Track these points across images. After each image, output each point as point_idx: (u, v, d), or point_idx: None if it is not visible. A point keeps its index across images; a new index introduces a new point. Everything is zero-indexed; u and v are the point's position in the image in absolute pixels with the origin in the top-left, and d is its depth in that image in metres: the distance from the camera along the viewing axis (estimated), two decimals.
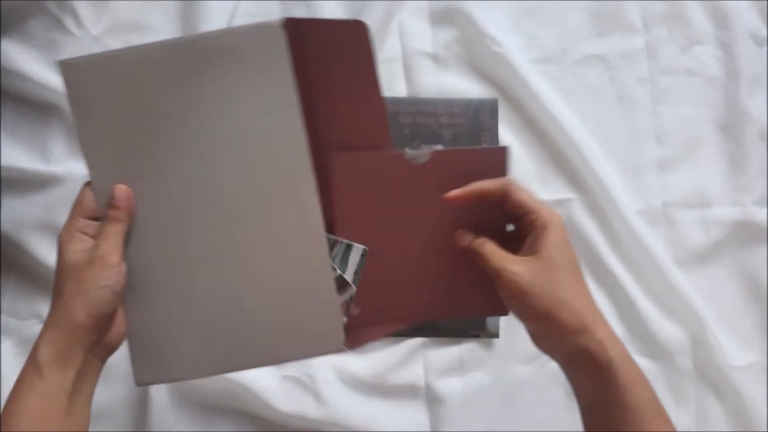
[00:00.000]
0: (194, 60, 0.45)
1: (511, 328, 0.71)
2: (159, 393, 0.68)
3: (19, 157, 0.70)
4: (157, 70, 0.45)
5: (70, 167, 0.71)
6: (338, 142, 0.50)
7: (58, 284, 0.45)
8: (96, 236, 0.45)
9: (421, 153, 0.50)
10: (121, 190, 0.46)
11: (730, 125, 0.75)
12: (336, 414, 0.67)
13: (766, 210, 0.73)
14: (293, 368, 0.69)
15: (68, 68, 0.45)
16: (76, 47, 0.72)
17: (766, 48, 0.76)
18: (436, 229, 0.50)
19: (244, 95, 0.46)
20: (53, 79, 0.70)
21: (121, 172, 0.46)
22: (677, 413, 0.70)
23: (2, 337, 0.70)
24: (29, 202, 0.70)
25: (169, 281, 0.48)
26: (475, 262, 0.47)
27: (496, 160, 0.49)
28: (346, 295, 0.51)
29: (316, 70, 0.49)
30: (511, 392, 0.70)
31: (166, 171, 0.47)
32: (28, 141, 0.71)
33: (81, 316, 0.43)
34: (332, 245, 0.51)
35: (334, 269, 0.50)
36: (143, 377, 0.48)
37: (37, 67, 0.71)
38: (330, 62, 0.50)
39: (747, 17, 0.76)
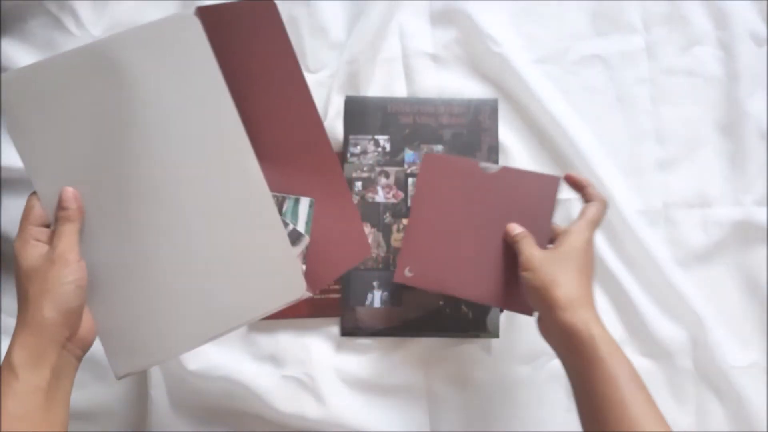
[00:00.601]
0: (117, 58, 0.48)
1: (511, 328, 0.71)
2: (159, 393, 0.68)
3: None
4: (83, 73, 0.48)
5: None
6: (266, 118, 0.53)
7: (21, 290, 0.46)
8: (51, 239, 0.47)
9: (493, 166, 0.64)
10: (68, 191, 0.48)
11: (730, 125, 0.75)
12: (336, 414, 0.67)
13: (766, 210, 0.73)
14: (293, 368, 0.69)
15: (6, 80, 0.48)
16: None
17: (766, 48, 0.76)
18: (491, 227, 0.62)
19: (171, 83, 0.48)
20: None
21: (63, 176, 0.48)
22: (677, 413, 0.70)
23: (2, 337, 0.70)
24: None
25: (126, 271, 0.50)
26: (516, 262, 0.57)
27: (550, 187, 0.62)
28: (302, 245, 0.56)
29: (234, 53, 0.51)
30: (511, 392, 0.70)
31: (107, 167, 0.49)
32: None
33: (50, 313, 0.44)
34: (281, 202, 0.55)
35: (286, 224, 0.55)
36: (120, 369, 0.50)
37: None
38: (245, 43, 0.52)
39: (747, 17, 0.76)
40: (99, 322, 0.49)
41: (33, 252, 0.46)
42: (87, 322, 0.48)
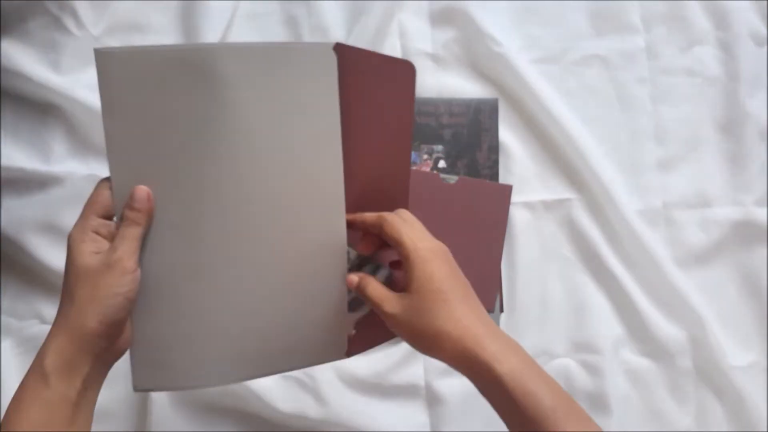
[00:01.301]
0: (238, 67, 0.43)
1: (511, 328, 0.71)
2: (159, 393, 0.68)
3: (19, 157, 0.70)
4: (196, 71, 0.42)
5: (70, 167, 0.71)
6: (360, 174, 0.49)
7: (69, 288, 0.42)
8: (113, 238, 0.43)
9: (452, 177, 0.67)
10: (142, 191, 0.43)
11: (730, 125, 0.75)
12: (336, 414, 0.67)
13: (766, 210, 0.73)
14: None
15: (103, 58, 0.42)
16: (76, 47, 0.72)
17: (766, 48, 0.76)
18: (453, 236, 0.52)
19: (286, 107, 0.44)
20: (53, 79, 0.70)
21: (143, 171, 0.44)
22: (677, 413, 0.70)
23: (2, 337, 0.70)
24: (29, 202, 0.70)
25: (182, 289, 0.46)
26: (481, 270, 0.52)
27: (504, 195, 0.64)
28: (360, 313, 0.52)
29: (355, 98, 0.47)
30: None
31: (190, 175, 0.44)
32: (28, 141, 0.71)
33: (93, 323, 0.41)
34: (361, 263, 0.51)
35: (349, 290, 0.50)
36: (142, 383, 0.47)
37: (37, 67, 0.71)
38: (371, 93, 0.48)
39: (747, 17, 0.76)
40: (137, 331, 0.45)
41: (90, 247, 0.42)
42: (126, 331, 0.45)
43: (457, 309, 0.44)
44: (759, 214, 0.73)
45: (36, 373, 0.41)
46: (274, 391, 0.67)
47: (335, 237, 0.47)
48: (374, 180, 0.50)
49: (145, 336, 0.46)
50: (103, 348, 0.43)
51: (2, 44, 0.71)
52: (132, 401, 0.70)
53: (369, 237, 0.50)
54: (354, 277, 0.48)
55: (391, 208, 0.49)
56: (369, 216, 0.48)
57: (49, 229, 0.69)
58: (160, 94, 0.43)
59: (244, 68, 0.43)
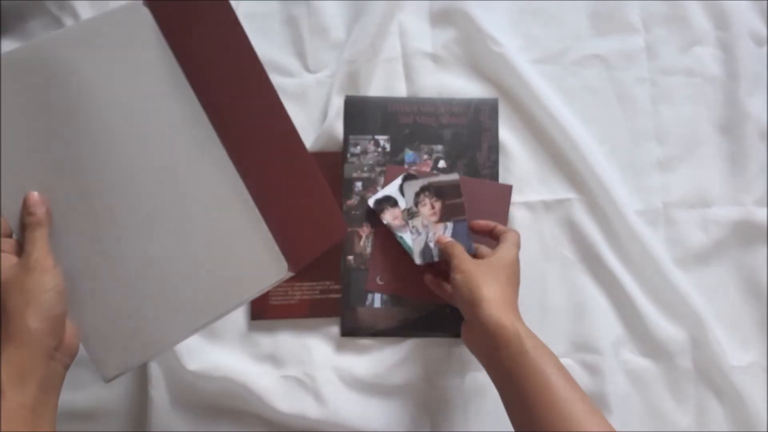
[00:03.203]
0: (65, 55, 0.46)
1: None
2: (159, 393, 0.68)
3: None
4: (27, 73, 0.46)
5: None
6: (228, 109, 0.52)
7: (2, 302, 0.44)
8: (19, 248, 0.45)
9: (453, 174, 0.69)
10: (34, 196, 0.46)
11: (730, 125, 0.75)
12: (336, 414, 0.67)
13: (766, 210, 0.73)
14: (293, 368, 0.69)
15: None
16: None
17: (766, 48, 0.76)
18: None
19: (124, 75, 0.47)
20: None
21: (24, 180, 0.46)
22: (677, 413, 0.70)
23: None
24: None
25: (99, 271, 0.48)
26: None
27: (504, 194, 0.68)
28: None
29: (188, 45, 0.50)
30: None
31: (66, 168, 0.47)
32: None
33: (34, 323, 0.43)
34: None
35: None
36: (109, 371, 0.48)
37: None
38: (199, 37, 0.51)
39: (747, 17, 0.76)
40: (82, 323, 0.47)
41: (3, 264, 0.44)
42: (70, 328, 0.46)
43: (507, 286, 0.57)
44: (759, 214, 0.73)
45: None
46: (274, 391, 0.67)
47: (221, 166, 0.50)
48: (246, 110, 0.53)
49: (89, 326, 0.48)
50: (53, 347, 0.44)
51: (2, 44, 0.71)
52: (132, 401, 0.70)
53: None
54: (443, 237, 0.65)
55: (275, 129, 0.53)
56: (481, 221, 0.67)
57: None
58: (13, 104, 0.46)
59: (74, 51, 0.46)
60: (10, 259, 0.45)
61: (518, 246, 0.61)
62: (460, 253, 0.60)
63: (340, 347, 0.70)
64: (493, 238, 0.65)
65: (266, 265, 0.52)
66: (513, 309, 0.55)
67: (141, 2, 0.47)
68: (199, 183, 0.50)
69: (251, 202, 0.51)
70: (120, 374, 0.49)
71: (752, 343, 0.72)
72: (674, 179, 0.74)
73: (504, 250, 0.60)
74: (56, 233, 0.47)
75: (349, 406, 0.68)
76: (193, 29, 0.50)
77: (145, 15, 0.47)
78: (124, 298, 0.49)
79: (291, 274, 0.53)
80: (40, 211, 0.46)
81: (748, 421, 0.69)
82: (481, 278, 0.56)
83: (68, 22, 0.72)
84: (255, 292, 0.52)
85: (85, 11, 0.73)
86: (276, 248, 0.52)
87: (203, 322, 0.50)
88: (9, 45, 0.71)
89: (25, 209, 0.46)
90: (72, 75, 0.46)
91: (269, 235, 0.52)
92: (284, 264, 0.52)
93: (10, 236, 0.46)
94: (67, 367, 0.46)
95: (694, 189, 0.74)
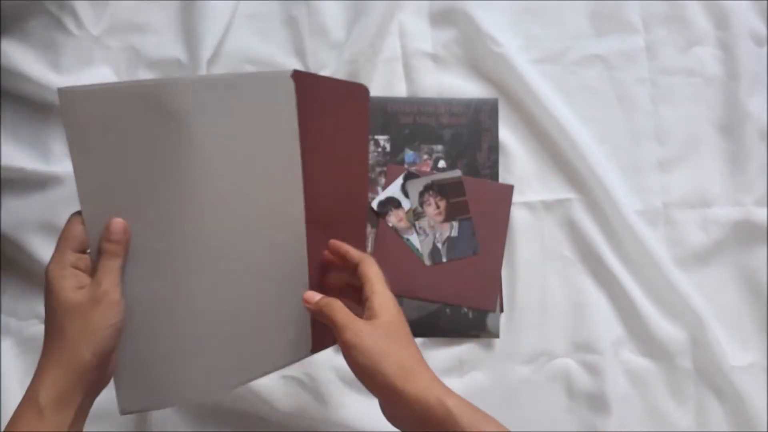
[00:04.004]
0: (197, 100, 0.44)
1: (511, 328, 0.71)
2: None
3: (19, 157, 0.70)
4: (157, 106, 0.44)
5: (70, 167, 0.70)
6: (319, 194, 0.52)
7: (57, 323, 0.43)
8: (91, 271, 0.44)
9: (455, 171, 0.65)
10: (119, 223, 0.44)
11: (730, 125, 0.75)
12: (336, 414, 0.67)
13: (766, 210, 0.73)
14: (293, 368, 0.69)
15: (66, 96, 0.44)
16: (76, 47, 0.72)
17: (766, 48, 0.76)
18: None
19: (246, 136, 0.45)
20: (53, 79, 0.70)
21: (113, 205, 0.45)
22: (677, 413, 0.70)
23: (2, 337, 0.70)
24: (29, 202, 0.70)
25: (158, 312, 0.47)
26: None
27: (506, 194, 0.65)
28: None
29: (314, 123, 0.49)
30: (511, 392, 0.70)
31: (158, 206, 0.46)
32: (28, 141, 0.71)
33: (87, 356, 0.42)
34: None
35: None
36: (128, 406, 0.48)
37: (37, 67, 0.71)
38: (328, 117, 0.50)
39: (747, 17, 0.76)
40: (120, 355, 0.47)
41: (72, 282, 0.43)
42: (112, 362, 0.46)
43: (406, 342, 0.48)
44: (759, 214, 0.73)
45: (30, 406, 0.42)
46: (274, 391, 0.67)
47: (296, 249, 0.49)
48: (334, 196, 0.53)
49: (127, 360, 0.47)
50: (95, 379, 0.44)
51: (2, 44, 0.71)
52: None
53: (332, 262, 0.54)
54: (314, 295, 0.50)
55: (350, 222, 0.53)
56: (353, 251, 0.53)
57: (49, 229, 0.69)
58: (125, 130, 0.44)
59: (203, 101, 0.44)
60: (80, 279, 0.44)
61: (384, 281, 0.51)
62: (344, 315, 0.48)
63: (340, 347, 0.70)
64: (347, 266, 0.53)
65: (294, 343, 0.51)
66: (428, 375, 0.47)
67: (290, 74, 0.46)
68: (271, 256, 0.49)
69: (306, 281, 0.51)
70: (136, 412, 0.49)
71: (752, 343, 0.72)
72: (674, 179, 0.74)
73: (387, 299, 0.49)
74: (129, 263, 0.46)
75: (349, 406, 0.68)
76: (327, 110, 0.50)
77: (289, 86, 0.46)
78: (167, 342, 0.48)
79: (310, 355, 0.53)
80: (120, 239, 0.44)
81: (748, 421, 0.69)
82: (378, 349, 0.46)
83: (68, 22, 0.72)
84: (277, 366, 0.52)
85: (85, 11, 0.73)
86: (308, 329, 0.52)
87: (225, 387, 0.51)
88: (9, 45, 0.71)
89: (106, 234, 0.44)
90: (188, 122, 0.44)
91: (308, 316, 0.51)
92: (309, 345, 0.52)
93: (86, 252, 0.45)
94: (97, 395, 0.46)
95: (694, 189, 0.74)
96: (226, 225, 0.47)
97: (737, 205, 0.74)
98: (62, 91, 0.43)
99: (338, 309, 0.48)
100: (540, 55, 0.76)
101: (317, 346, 0.55)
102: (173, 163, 0.45)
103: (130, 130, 0.44)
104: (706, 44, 0.76)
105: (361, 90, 0.51)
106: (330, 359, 0.69)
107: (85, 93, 0.43)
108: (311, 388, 0.68)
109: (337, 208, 0.54)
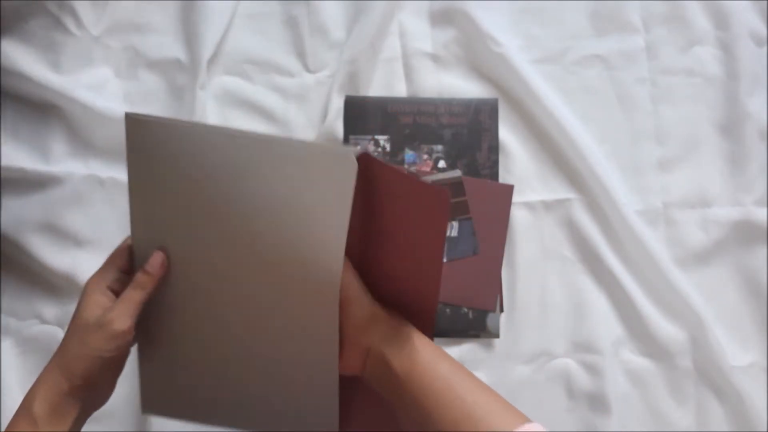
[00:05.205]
0: (263, 156, 0.44)
1: (511, 328, 0.71)
2: None
3: (19, 157, 0.70)
4: (223, 153, 0.44)
5: (70, 167, 0.71)
6: (388, 290, 0.51)
7: (68, 336, 0.45)
8: (120, 293, 0.45)
9: (455, 171, 0.63)
10: (159, 257, 0.46)
11: (730, 125, 0.75)
12: None
13: (766, 210, 0.73)
14: None
15: (134, 123, 0.44)
16: (76, 47, 0.72)
17: (766, 48, 0.76)
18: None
19: (299, 204, 0.45)
20: (53, 79, 0.70)
21: (162, 233, 0.47)
22: (677, 413, 0.70)
23: (2, 337, 0.70)
24: (29, 202, 0.70)
25: (193, 334, 0.50)
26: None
27: (506, 194, 0.65)
28: None
29: (382, 210, 0.48)
30: (511, 392, 0.70)
31: (201, 244, 0.47)
32: (28, 141, 0.71)
33: (78, 380, 0.43)
34: None
35: None
36: (150, 408, 0.51)
37: (37, 67, 0.71)
38: (402, 213, 0.48)
39: (747, 17, 0.76)
40: (149, 358, 0.49)
41: (98, 300, 0.45)
42: (111, 388, 0.47)
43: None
44: (759, 214, 0.73)
45: (25, 416, 0.43)
46: None
47: (328, 331, 0.48)
48: (400, 296, 0.51)
49: (154, 364, 0.50)
50: (89, 402, 0.45)
51: (2, 44, 0.71)
52: (132, 401, 0.69)
53: None
54: None
55: (417, 322, 0.50)
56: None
57: (49, 229, 0.69)
58: (187, 167, 0.45)
59: (260, 158, 0.44)
60: (107, 299, 0.45)
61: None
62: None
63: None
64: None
65: (321, 419, 0.51)
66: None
67: (354, 154, 0.44)
68: (301, 332, 0.49)
69: (336, 361, 0.49)
70: (155, 415, 0.52)
71: (752, 343, 0.72)
72: (674, 179, 0.74)
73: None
74: (176, 279, 0.47)
75: None
76: (395, 198, 0.47)
77: (352, 165, 0.43)
78: (196, 366, 0.50)
79: None
80: (155, 272, 0.46)
81: (748, 421, 0.69)
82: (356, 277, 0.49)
83: (68, 22, 0.72)
84: (297, 429, 0.52)
85: (85, 11, 0.73)
86: (336, 413, 0.51)
87: (242, 426, 0.52)
88: (9, 45, 0.71)
89: (145, 265, 0.46)
90: (245, 175, 0.45)
91: (336, 400, 0.50)
92: (336, 426, 0.51)
93: (130, 273, 0.47)
94: (89, 415, 0.47)
95: (694, 189, 0.74)
96: (259, 284, 0.48)
97: (737, 205, 0.74)
98: (130, 117, 0.44)
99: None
100: (540, 55, 0.76)
101: (344, 426, 0.53)
102: (222, 210, 0.46)
103: (189, 168, 0.45)
104: (706, 44, 0.76)
105: (440, 195, 0.46)
106: None
107: (154, 123, 0.44)
108: None
109: (399, 298, 0.51)
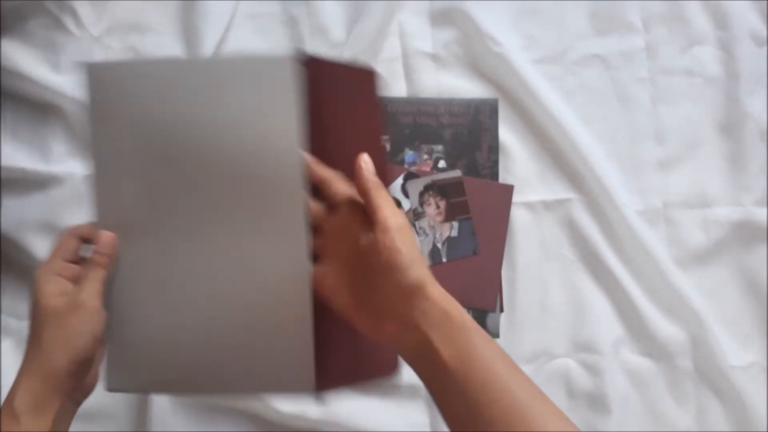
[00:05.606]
0: (211, 78, 0.46)
1: (511, 328, 0.71)
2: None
3: (19, 157, 0.70)
4: (177, 83, 0.46)
5: (70, 167, 0.71)
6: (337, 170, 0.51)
7: (35, 329, 0.44)
8: (78, 280, 0.45)
9: (455, 171, 0.63)
10: (108, 236, 0.46)
11: (730, 125, 0.75)
12: (336, 414, 0.67)
13: (766, 210, 0.73)
14: None
15: (95, 70, 0.46)
16: (76, 47, 0.72)
17: (766, 48, 0.76)
18: None
19: (252, 118, 0.46)
20: (53, 79, 0.70)
21: (124, 181, 0.47)
22: (677, 413, 0.70)
23: (2, 337, 0.70)
24: (29, 202, 0.70)
25: (154, 294, 0.48)
26: None
27: (506, 194, 0.63)
28: None
29: (323, 107, 0.49)
30: None
31: (164, 186, 0.47)
32: (28, 141, 0.71)
33: (62, 363, 0.43)
34: None
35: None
36: (113, 384, 0.48)
37: (37, 67, 0.71)
38: (337, 101, 0.50)
39: (747, 17, 0.76)
40: (111, 334, 0.47)
41: (54, 288, 0.44)
42: (93, 369, 0.47)
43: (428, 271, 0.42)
44: (759, 214, 0.73)
45: (7, 413, 0.43)
46: None
47: (298, 257, 0.47)
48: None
49: (117, 339, 0.48)
50: (72, 386, 0.44)
51: (2, 44, 0.71)
52: (132, 401, 0.70)
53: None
54: (370, 166, 0.45)
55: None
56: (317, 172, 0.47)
57: (49, 229, 0.69)
58: (140, 106, 0.46)
59: (209, 80, 0.46)
60: (62, 285, 0.45)
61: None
62: (387, 204, 0.43)
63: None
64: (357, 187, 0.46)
65: (295, 373, 0.49)
66: (442, 288, 0.43)
67: (292, 58, 0.46)
68: (272, 258, 0.48)
69: (309, 312, 0.48)
70: (121, 392, 0.49)
71: (752, 343, 0.72)
72: (674, 179, 0.74)
73: (388, 207, 0.43)
74: (131, 245, 0.47)
75: (349, 406, 0.68)
76: (334, 94, 0.49)
77: (292, 68, 0.46)
78: (159, 332, 0.49)
79: (314, 393, 0.49)
80: (107, 252, 0.46)
81: (748, 421, 0.69)
82: (413, 242, 0.42)
83: (68, 22, 0.72)
84: (270, 390, 0.51)
85: (85, 11, 0.73)
86: (311, 361, 0.48)
87: (216, 390, 0.51)
88: (9, 45, 0.71)
89: (95, 246, 0.46)
90: (192, 101, 0.46)
91: (311, 348, 0.48)
92: (311, 381, 0.48)
93: (74, 262, 0.47)
94: (79, 405, 0.47)
95: (694, 189, 0.74)
96: (222, 217, 0.48)
97: (737, 205, 0.74)
98: (92, 66, 0.46)
99: (381, 187, 0.44)
100: (540, 55, 0.76)
101: (321, 384, 0.49)
102: (182, 141, 0.46)
103: (147, 104, 0.46)
104: (706, 44, 0.76)
105: (369, 73, 0.51)
106: None
107: (111, 67, 0.47)
108: None
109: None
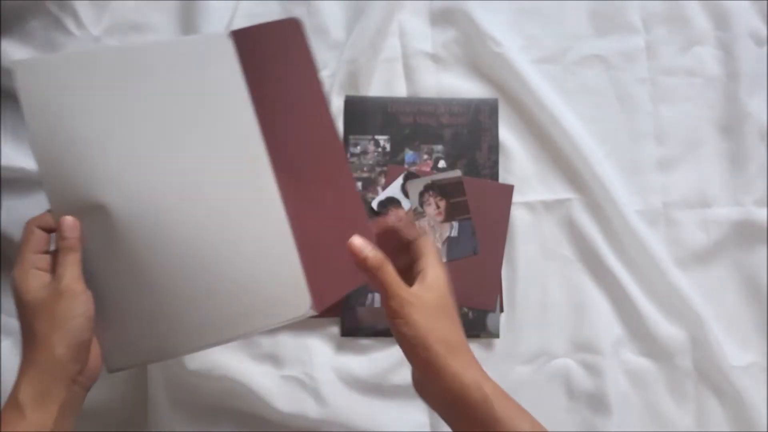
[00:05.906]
0: (145, 66, 0.48)
1: (511, 328, 0.71)
2: (159, 393, 0.68)
3: (19, 157, 0.70)
4: (107, 75, 0.48)
5: None
6: (288, 132, 0.53)
7: (25, 324, 0.45)
8: (52, 269, 0.46)
9: (455, 171, 0.64)
10: (68, 221, 0.46)
11: (730, 125, 0.75)
12: (336, 414, 0.67)
13: (766, 210, 0.73)
14: (293, 368, 0.69)
15: (24, 68, 0.47)
16: (76, 47, 0.72)
17: (766, 48, 0.76)
18: None
19: (196, 97, 0.49)
20: None
21: (76, 174, 0.47)
22: (677, 413, 0.70)
23: (2, 337, 0.70)
24: (29, 202, 0.70)
25: (133, 266, 0.48)
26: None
27: (506, 194, 0.64)
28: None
29: (264, 71, 0.52)
30: (511, 392, 0.70)
31: (124, 170, 0.48)
32: (28, 141, 0.71)
33: (61, 349, 0.43)
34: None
35: None
36: (114, 363, 0.49)
37: None
38: (274, 61, 0.53)
39: (747, 17, 0.76)
40: (98, 315, 0.47)
41: (34, 283, 0.45)
42: (94, 351, 0.47)
43: (452, 319, 0.47)
44: (759, 214, 0.73)
45: (11, 407, 0.43)
46: (274, 391, 0.67)
47: (267, 193, 0.50)
48: (303, 135, 0.54)
49: (104, 319, 0.48)
50: (77, 371, 0.45)
51: (2, 44, 0.71)
52: (132, 401, 0.70)
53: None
54: (364, 247, 0.46)
55: (328, 160, 0.53)
56: (386, 219, 0.52)
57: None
58: (77, 98, 0.47)
59: (159, 64, 0.49)
60: (41, 278, 0.45)
61: (440, 259, 0.50)
62: (395, 282, 0.46)
63: (340, 347, 0.70)
64: (402, 238, 0.51)
65: (290, 299, 0.50)
66: (470, 357, 0.46)
67: (226, 35, 0.50)
68: (243, 206, 0.50)
69: (289, 233, 0.50)
70: (124, 368, 0.49)
71: (752, 343, 0.72)
72: (674, 179, 0.74)
73: (439, 272, 0.47)
74: (101, 225, 0.47)
75: (349, 406, 0.68)
76: (269, 57, 0.53)
77: (227, 44, 0.50)
78: (147, 299, 0.49)
79: (313, 312, 0.51)
80: (73, 236, 0.46)
81: (748, 421, 0.69)
82: (428, 317, 0.45)
83: (68, 22, 0.72)
84: (272, 323, 0.51)
85: (85, 11, 0.73)
86: (303, 284, 0.51)
87: (216, 340, 0.50)
88: (9, 45, 0.71)
89: (59, 233, 0.46)
90: (147, 85, 0.48)
91: (299, 270, 0.51)
92: (308, 302, 0.50)
93: (46, 252, 0.47)
94: (87, 389, 0.47)
95: (694, 189, 0.74)
96: (190, 182, 0.49)
97: (737, 205, 0.74)
98: (20, 63, 0.47)
99: (390, 273, 0.46)
100: (540, 55, 0.76)
101: (320, 303, 0.51)
102: (129, 123, 0.48)
103: (83, 100, 0.47)
104: (706, 44, 0.76)
105: (293, 24, 0.54)
106: (330, 359, 0.69)
107: (40, 63, 0.48)
108: (311, 388, 0.68)
109: (307, 153, 0.54)
